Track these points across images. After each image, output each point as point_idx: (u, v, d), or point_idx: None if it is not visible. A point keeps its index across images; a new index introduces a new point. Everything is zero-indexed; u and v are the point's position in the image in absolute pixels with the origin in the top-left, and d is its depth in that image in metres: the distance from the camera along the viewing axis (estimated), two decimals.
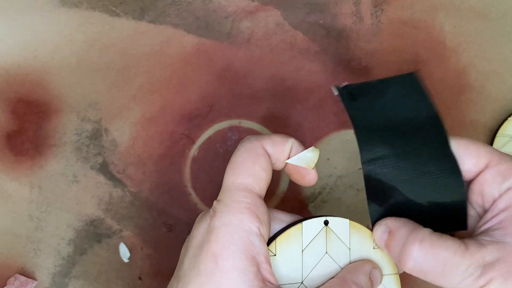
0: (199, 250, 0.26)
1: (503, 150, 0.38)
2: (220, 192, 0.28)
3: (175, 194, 0.38)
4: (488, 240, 0.25)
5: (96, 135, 0.38)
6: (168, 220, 0.38)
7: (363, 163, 0.28)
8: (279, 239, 0.28)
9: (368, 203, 0.28)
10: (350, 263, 0.29)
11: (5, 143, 0.37)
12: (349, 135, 0.39)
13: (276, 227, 0.29)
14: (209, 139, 0.38)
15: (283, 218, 0.30)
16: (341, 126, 0.39)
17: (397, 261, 0.27)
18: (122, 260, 0.37)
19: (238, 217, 0.26)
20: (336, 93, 0.29)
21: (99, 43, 0.38)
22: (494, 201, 0.27)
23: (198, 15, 0.39)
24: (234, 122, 0.38)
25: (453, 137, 0.27)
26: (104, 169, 0.38)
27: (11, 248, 0.37)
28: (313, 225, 0.29)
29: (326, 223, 0.29)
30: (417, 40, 0.39)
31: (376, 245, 0.29)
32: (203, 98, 0.38)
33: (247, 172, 0.28)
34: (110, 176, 0.38)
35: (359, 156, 0.38)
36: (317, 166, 0.39)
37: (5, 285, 0.37)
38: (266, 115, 0.39)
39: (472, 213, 0.28)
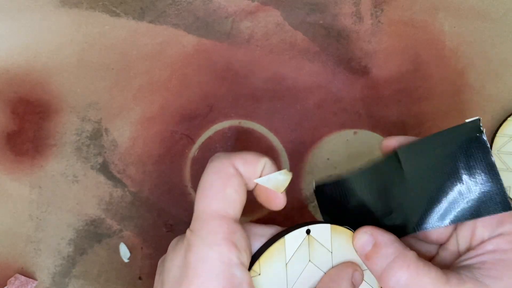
0: (178, 287, 0.25)
1: (503, 150, 0.38)
2: (193, 221, 0.27)
3: (175, 194, 0.38)
4: (468, 277, 0.26)
5: (96, 135, 0.38)
6: (168, 220, 0.38)
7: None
8: (262, 258, 0.27)
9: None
10: (332, 267, 0.28)
11: (5, 143, 0.37)
12: (349, 135, 0.39)
13: (257, 244, 0.28)
14: (209, 139, 0.38)
15: (261, 232, 0.28)
16: (341, 126, 0.39)
17: (377, 275, 0.27)
18: (122, 260, 0.37)
19: (215, 250, 0.25)
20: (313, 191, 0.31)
21: (99, 43, 0.38)
22: (483, 242, 0.27)
23: (198, 15, 0.39)
24: (234, 122, 0.38)
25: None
26: (104, 169, 0.38)
27: (11, 248, 0.37)
28: (296, 236, 0.28)
29: (308, 232, 0.28)
30: (417, 40, 0.39)
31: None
32: (203, 98, 0.38)
33: (218, 196, 0.26)
34: (110, 176, 0.38)
35: (359, 156, 0.39)
36: (317, 166, 0.39)
37: (5, 285, 0.37)
38: (266, 115, 0.39)
39: (452, 247, 0.29)
